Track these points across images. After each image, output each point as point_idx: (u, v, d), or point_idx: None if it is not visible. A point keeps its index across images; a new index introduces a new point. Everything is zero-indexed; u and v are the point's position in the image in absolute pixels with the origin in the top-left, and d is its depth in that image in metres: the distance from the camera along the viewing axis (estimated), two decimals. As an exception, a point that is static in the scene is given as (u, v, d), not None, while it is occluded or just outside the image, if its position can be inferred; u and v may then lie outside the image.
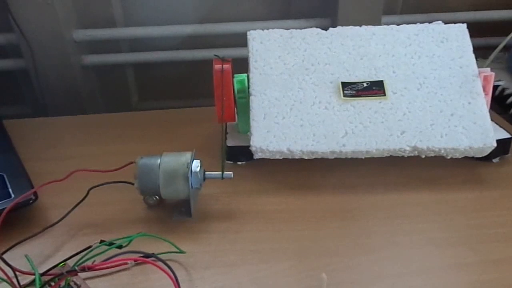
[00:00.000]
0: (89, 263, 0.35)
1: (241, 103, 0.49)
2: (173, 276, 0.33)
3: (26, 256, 0.37)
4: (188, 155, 0.42)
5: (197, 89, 0.76)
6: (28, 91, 0.74)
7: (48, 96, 0.72)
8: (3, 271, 0.34)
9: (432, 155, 0.46)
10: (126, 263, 0.38)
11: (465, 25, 0.51)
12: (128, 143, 0.55)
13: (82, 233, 0.42)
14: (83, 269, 0.28)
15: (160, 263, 0.36)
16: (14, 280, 0.34)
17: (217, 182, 0.44)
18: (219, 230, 0.42)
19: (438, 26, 0.52)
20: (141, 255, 0.37)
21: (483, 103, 0.47)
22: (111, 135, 0.57)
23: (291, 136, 0.46)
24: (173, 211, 0.44)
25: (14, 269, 0.35)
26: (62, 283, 0.34)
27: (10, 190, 0.43)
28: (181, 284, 0.34)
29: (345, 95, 0.47)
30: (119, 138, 0.56)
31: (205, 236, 0.41)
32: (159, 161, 0.42)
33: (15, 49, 0.69)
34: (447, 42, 0.50)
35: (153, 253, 0.38)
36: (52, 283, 0.34)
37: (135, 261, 0.37)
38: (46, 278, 0.34)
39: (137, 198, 0.44)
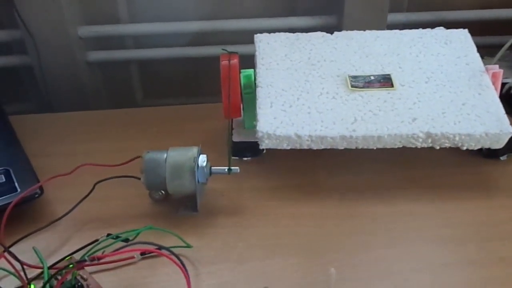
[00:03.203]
0: (99, 253, 0.35)
1: (247, 98, 0.49)
2: (184, 269, 0.32)
3: (34, 248, 0.36)
4: (194, 150, 0.42)
5: (202, 86, 0.76)
6: (33, 87, 0.74)
7: (53, 92, 0.72)
8: (11, 264, 0.34)
9: (447, 144, 0.44)
10: (133, 257, 0.38)
11: (466, 30, 0.52)
12: (133, 139, 0.55)
13: (88, 228, 0.41)
14: (93, 260, 0.28)
15: (172, 256, 0.36)
16: (22, 274, 0.34)
17: (223, 178, 0.44)
18: (225, 225, 0.42)
19: (440, 31, 0.52)
20: (154, 247, 0.37)
21: (493, 94, 0.46)
22: (116, 131, 0.57)
23: (299, 122, 0.44)
24: (179, 206, 0.44)
25: (21, 263, 0.35)
26: (69, 277, 0.34)
27: (16, 184, 0.43)
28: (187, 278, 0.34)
29: (352, 86, 0.47)
30: (124, 134, 0.56)
31: (211, 231, 0.41)
32: (165, 155, 0.41)
33: (19, 45, 0.69)
34: (450, 44, 0.50)
35: (161, 247, 0.38)
36: (59, 277, 0.34)
37: (147, 252, 0.36)
38: (53, 272, 0.34)
39: (143, 193, 0.44)
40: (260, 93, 0.47)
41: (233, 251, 0.39)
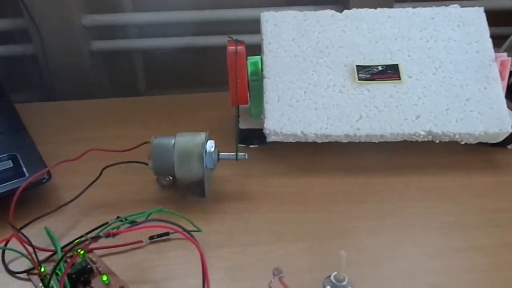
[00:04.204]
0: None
1: (254, 85, 0.49)
2: (201, 248, 0.32)
3: (46, 228, 0.36)
4: (202, 136, 0.42)
5: (206, 76, 0.76)
6: (36, 76, 0.74)
7: (56, 81, 0.72)
8: (23, 246, 0.34)
9: (446, 140, 0.46)
10: (141, 241, 0.38)
11: (482, 8, 0.51)
12: (139, 127, 0.55)
13: (96, 213, 0.41)
14: (108, 236, 0.28)
15: (186, 234, 0.35)
16: (33, 256, 0.34)
17: (230, 164, 0.44)
18: (233, 211, 0.42)
19: (454, 9, 0.51)
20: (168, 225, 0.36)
21: (499, 89, 0.47)
22: (121, 119, 0.57)
23: (305, 119, 0.46)
24: (186, 191, 0.44)
25: (33, 245, 0.35)
26: (78, 259, 0.34)
27: (24, 169, 0.43)
28: (197, 262, 0.34)
29: (359, 79, 0.47)
30: (129, 122, 0.56)
31: (219, 216, 0.41)
32: (173, 141, 0.41)
33: (24, 34, 0.69)
34: (463, 26, 0.50)
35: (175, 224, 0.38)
36: (68, 260, 0.34)
37: (163, 228, 0.36)
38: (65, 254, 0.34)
39: (150, 179, 0.44)
40: (268, 85, 0.47)
41: (241, 235, 0.39)
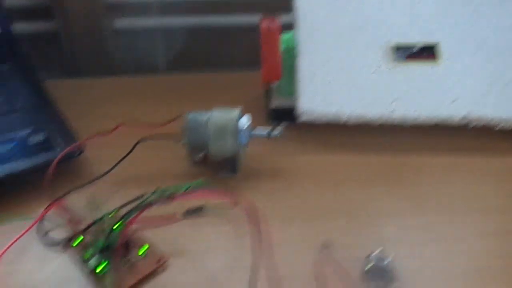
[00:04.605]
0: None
1: (287, 63, 0.48)
2: (259, 217, 0.31)
3: (90, 196, 0.36)
4: (236, 111, 0.41)
5: (230, 57, 0.75)
6: (58, 54, 0.74)
7: (78, 59, 0.72)
8: (63, 218, 0.34)
9: (481, 124, 0.44)
10: (175, 216, 0.37)
11: None
12: (165, 105, 0.54)
13: (129, 187, 0.41)
14: (170, 197, 0.27)
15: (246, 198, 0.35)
16: (72, 225, 0.34)
17: (261, 142, 0.43)
18: (265, 188, 0.42)
19: None
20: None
21: (542, 71, 0.45)
22: (147, 97, 0.56)
23: (339, 100, 0.45)
24: (218, 168, 0.43)
25: (71, 215, 0.35)
26: (130, 229, 0.33)
27: (56, 142, 0.42)
28: (232, 238, 0.34)
29: (396, 59, 0.46)
30: (156, 100, 0.56)
31: (251, 193, 0.41)
32: (208, 116, 0.41)
33: (46, 11, 0.69)
34: (508, 4, 0.48)
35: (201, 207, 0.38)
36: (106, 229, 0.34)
37: (216, 198, 0.36)
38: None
39: (182, 155, 0.43)
40: (301, 64, 0.46)
41: (275, 213, 0.39)
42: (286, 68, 0.48)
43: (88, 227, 0.35)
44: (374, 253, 0.32)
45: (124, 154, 0.43)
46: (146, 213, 0.35)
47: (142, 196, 0.36)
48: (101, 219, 0.35)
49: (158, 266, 0.33)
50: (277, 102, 0.50)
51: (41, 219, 0.35)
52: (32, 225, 0.35)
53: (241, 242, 0.36)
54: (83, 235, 0.34)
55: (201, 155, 0.43)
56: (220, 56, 0.77)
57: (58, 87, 0.56)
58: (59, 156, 0.38)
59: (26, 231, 0.35)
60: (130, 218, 0.31)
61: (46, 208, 0.36)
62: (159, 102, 0.55)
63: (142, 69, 0.77)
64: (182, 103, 0.55)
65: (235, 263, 0.35)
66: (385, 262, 0.32)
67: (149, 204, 0.29)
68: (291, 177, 0.43)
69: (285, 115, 0.49)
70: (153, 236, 0.36)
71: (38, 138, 0.43)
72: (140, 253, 0.33)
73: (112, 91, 0.58)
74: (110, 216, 0.35)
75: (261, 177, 0.43)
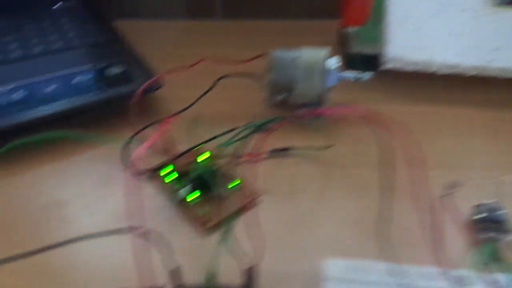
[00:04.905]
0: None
1: (376, 5, 0.44)
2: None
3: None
4: (326, 51, 0.39)
5: (293, 6, 0.71)
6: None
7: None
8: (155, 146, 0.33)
9: None
10: (262, 155, 0.36)
11: None
12: (239, 50, 0.52)
13: (211, 123, 0.40)
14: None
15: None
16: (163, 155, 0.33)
17: (342, 89, 0.41)
18: (351, 134, 0.40)
19: None
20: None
21: None
22: (213, 42, 0.55)
23: (432, 46, 0.42)
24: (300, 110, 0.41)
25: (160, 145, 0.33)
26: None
27: (134, 76, 0.41)
28: (319, 179, 0.32)
29: (497, 3, 0.42)
30: (231, 45, 0.54)
31: (338, 139, 0.39)
32: (295, 54, 0.39)
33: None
34: None
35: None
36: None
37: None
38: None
39: (263, 94, 0.42)
40: (392, 6, 0.43)
41: (363, 158, 0.37)
42: (376, 11, 0.45)
43: (178, 156, 0.34)
44: (488, 202, 0.30)
45: (202, 92, 0.41)
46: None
47: (233, 129, 0.34)
48: (191, 149, 0.34)
49: (250, 201, 0.32)
50: (358, 48, 0.47)
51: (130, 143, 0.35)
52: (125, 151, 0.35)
53: (329, 184, 0.34)
54: (173, 164, 0.33)
55: (283, 95, 0.41)
56: (285, 4, 0.72)
57: (127, 27, 0.55)
58: (144, 85, 0.37)
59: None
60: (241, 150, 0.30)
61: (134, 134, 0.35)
62: (232, 48, 0.52)
63: (196, 14, 0.74)
64: (253, 48, 0.52)
65: (325, 205, 0.33)
66: (499, 213, 0.30)
67: (263, 130, 0.27)
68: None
69: (364, 63, 0.46)
70: (243, 173, 0.35)
71: (116, 70, 0.41)
72: (232, 186, 0.32)
73: (187, 35, 0.56)
74: (197, 148, 0.34)
75: (345, 124, 0.41)
